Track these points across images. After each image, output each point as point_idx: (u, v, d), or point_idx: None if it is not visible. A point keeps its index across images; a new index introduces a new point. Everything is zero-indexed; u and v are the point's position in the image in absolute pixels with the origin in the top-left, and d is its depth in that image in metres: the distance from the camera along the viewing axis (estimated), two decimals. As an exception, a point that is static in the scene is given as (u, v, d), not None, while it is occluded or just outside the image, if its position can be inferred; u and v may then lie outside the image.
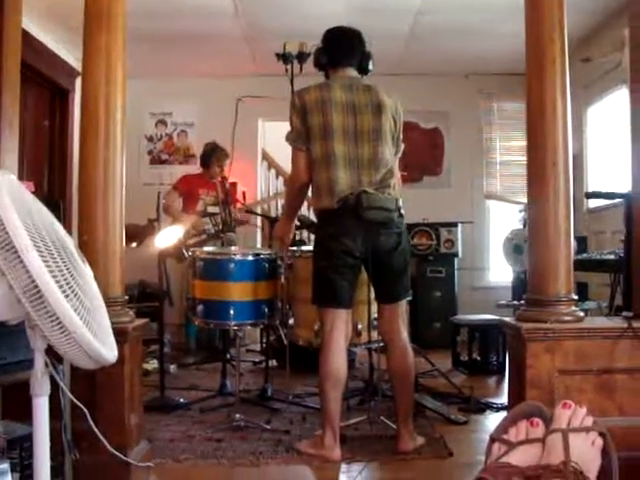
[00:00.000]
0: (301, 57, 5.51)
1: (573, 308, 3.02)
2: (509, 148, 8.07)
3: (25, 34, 4.09)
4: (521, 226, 6.89)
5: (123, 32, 3.12)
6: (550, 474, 1.48)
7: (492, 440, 1.67)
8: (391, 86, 3.81)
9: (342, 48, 3.76)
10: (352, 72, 3.74)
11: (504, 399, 4.54)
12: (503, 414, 4.13)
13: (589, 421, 1.60)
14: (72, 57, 6.43)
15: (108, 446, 2.36)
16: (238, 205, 6.52)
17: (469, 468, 3.34)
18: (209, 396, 4.73)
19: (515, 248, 6.59)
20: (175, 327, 6.67)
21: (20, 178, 3.04)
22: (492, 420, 4.26)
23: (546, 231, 3.05)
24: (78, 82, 5.83)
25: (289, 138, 3.70)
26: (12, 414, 2.81)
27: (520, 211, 7.10)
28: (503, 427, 1.69)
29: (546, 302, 3.03)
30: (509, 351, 3.46)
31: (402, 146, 3.78)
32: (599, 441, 1.57)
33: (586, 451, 1.54)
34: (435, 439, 3.78)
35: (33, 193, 2.00)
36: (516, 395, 3.04)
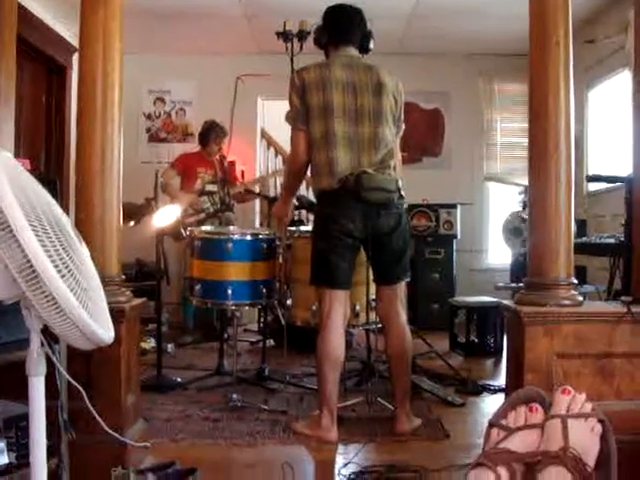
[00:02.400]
0: (301, 35, 5.47)
1: (572, 292, 3.01)
2: (510, 130, 8.02)
3: (22, 9, 4.05)
4: (520, 208, 6.87)
5: (121, 8, 3.08)
6: (549, 460, 1.47)
7: (491, 425, 1.66)
8: (391, 66, 3.78)
9: (343, 26, 3.72)
10: (353, 51, 3.70)
11: (501, 381, 4.56)
12: (500, 396, 4.17)
13: (588, 407, 1.59)
14: (69, 33, 6.37)
15: (104, 426, 2.34)
16: (237, 183, 6.49)
17: (466, 450, 3.34)
18: (206, 375, 4.73)
19: (514, 230, 6.58)
20: (173, 306, 6.67)
21: (16, 155, 3.02)
22: (489, 402, 4.27)
23: (547, 214, 3.03)
24: (76, 58, 5.79)
25: (288, 117, 3.67)
26: (8, 393, 2.80)
27: (520, 193, 7.09)
28: (502, 412, 1.68)
29: (545, 285, 3.01)
30: (507, 334, 3.45)
31: (403, 126, 3.76)
32: (598, 427, 1.56)
33: (585, 437, 1.53)
34: (432, 421, 3.78)
35: (29, 171, 1.98)
36: (514, 378, 3.03)
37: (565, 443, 1.49)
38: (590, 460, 1.50)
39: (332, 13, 3.77)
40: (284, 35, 5.50)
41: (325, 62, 3.70)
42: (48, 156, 6.49)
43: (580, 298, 3.03)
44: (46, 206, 1.81)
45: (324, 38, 3.75)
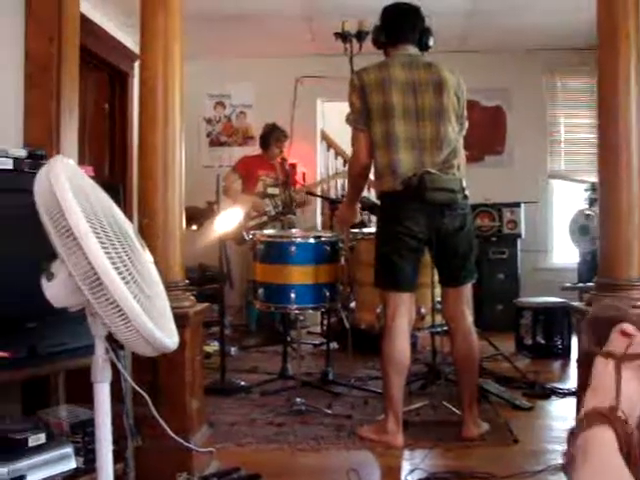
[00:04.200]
0: (360, 36, 5.43)
1: (646, 292, 2.91)
2: (574, 125, 7.83)
3: (85, 19, 4.10)
4: (587, 206, 6.72)
5: (181, 13, 3.09)
6: (596, 418, 1.35)
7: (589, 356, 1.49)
8: (451, 63, 3.72)
9: (401, 25, 3.66)
10: (412, 49, 3.65)
11: (570, 384, 4.45)
12: (570, 400, 4.05)
13: None
14: (131, 40, 6.44)
15: (170, 431, 2.34)
16: (298, 186, 6.48)
17: (535, 456, 3.27)
18: (270, 379, 4.73)
19: (581, 229, 6.44)
20: (236, 309, 6.69)
21: (80, 163, 3.06)
22: (558, 406, 4.17)
23: (618, 211, 2.94)
24: (137, 65, 5.85)
25: (349, 119, 3.63)
26: (76, 398, 2.84)
27: (586, 190, 6.93)
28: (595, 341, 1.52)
29: (617, 286, 2.92)
30: (578, 336, 3.35)
31: (466, 124, 3.68)
32: None
33: (636, 390, 1.40)
34: (499, 425, 3.69)
35: (92, 178, 1.99)
36: (585, 382, 2.94)
37: (616, 399, 1.36)
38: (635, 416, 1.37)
39: (389, 12, 3.72)
40: (343, 36, 5.47)
41: (384, 62, 3.65)
42: (111, 163, 6.57)
43: (654, 298, 2.93)
44: (109, 212, 1.81)
45: (382, 38, 3.71)
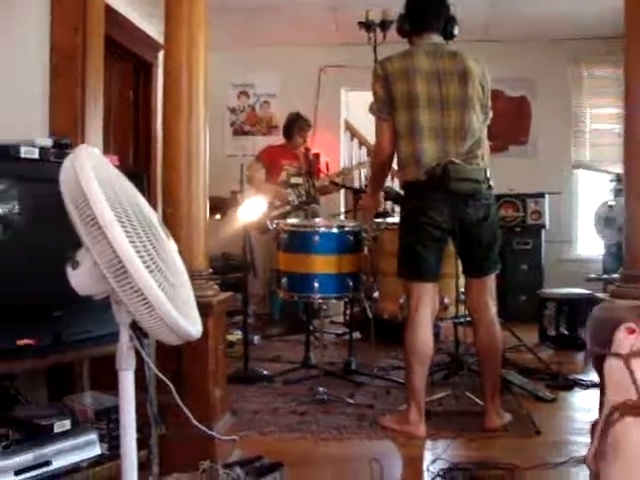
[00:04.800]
0: (384, 25, 5.41)
1: (672, 284, 2.88)
2: (599, 116, 7.75)
3: (109, 9, 4.12)
4: (612, 197, 6.67)
5: (205, 3, 3.09)
6: (628, 410, 1.37)
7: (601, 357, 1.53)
8: (475, 53, 3.68)
9: (425, 13, 3.64)
10: (437, 38, 3.62)
11: (593, 376, 4.40)
12: (593, 392, 4.03)
13: None
14: (155, 31, 6.45)
15: (193, 419, 2.36)
16: (322, 175, 6.47)
17: (558, 447, 3.26)
18: (293, 368, 4.75)
19: (606, 220, 6.39)
20: (259, 298, 6.71)
21: (105, 152, 3.07)
22: (581, 398, 4.15)
23: (643, 203, 2.91)
24: (161, 56, 5.86)
25: (373, 108, 3.62)
26: (101, 385, 2.86)
27: (611, 181, 6.87)
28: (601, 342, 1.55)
29: (643, 278, 2.89)
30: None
31: (490, 113, 3.66)
32: None
33: None
34: (522, 417, 3.68)
35: (117, 167, 2.00)
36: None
37: (638, 392, 1.39)
38: None
39: (413, 0, 3.70)
40: (367, 25, 5.45)
41: (408, 51, 3.63)
42: (136, 152, 6.60)
43: (680, 290, 2.89)
44: (133, 201, 1.82)
45: (407, 26, 3.68)
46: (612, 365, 1.46)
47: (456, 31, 3.67)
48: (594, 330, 1.59)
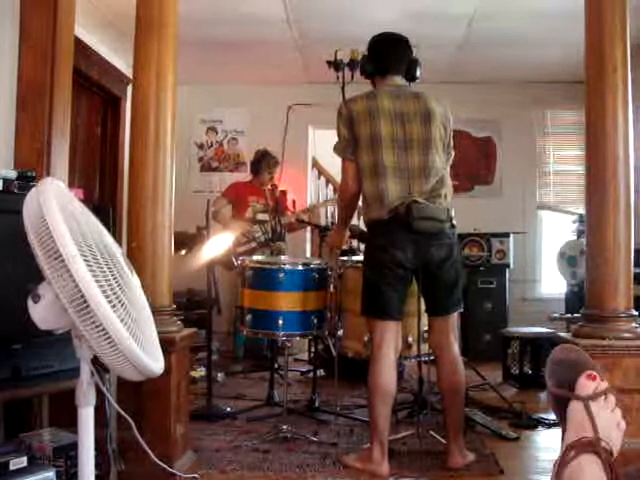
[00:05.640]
0: (352, 64, 5.45)
1: (633, 325, 2.92)
2: (563, 157, 7.89)
3: (79, 42, 4.12)
4: (575, 237, 6.75)
5: (174, 39, 3.11)
6: (583, 448, 1.40)
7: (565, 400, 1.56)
8: (442, 94, 3.74)
9: (389, 56, 3.69)
10: (399, 80, 3.67)
11: (556, 415, 4.43)
12: (556, 431, 4.04)
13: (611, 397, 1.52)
14: (125, 64, 6.47)
15: (153, 456, 2.33)
16: (288, 212, 6.49)
17: (521, 487, 3.26)
18: (256, 406, 4.70)
19: (569, 260, 6.46)
20: (223, 335, 6.67)
21: (70, 185, 3.06)
22: (544, 436, 4.15)
23: (605, 243, 2.96)
24: (130, 89, 5.86)
25: (337, 148, 3.65)
26: (60, 422, 2.82)
27: (574, 222, 6.96)
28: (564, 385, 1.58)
29: (604, 318, 2.93)
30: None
31: (453, 153, 3.70)
32: (623, 424, 1.49)
33: (611, 429, 1.47)
34: (485, 455, 3.68)
35: (82, 201, 1.99)
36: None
37: (595, 432, 1.42)
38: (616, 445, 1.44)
39: (377, 43, 3.75)
40: (335, 64, 5.49)
41: (372, 92, 3.67)
42: (102, 186, 6.56)
43: (641, 331, 2.94)
44: (97, 235, 1.81)
45: (370, 68, 3.73)
46: (573, 408, 1.49)
47: (418, 73, 3.72)
48: (552, 371, 1.62)
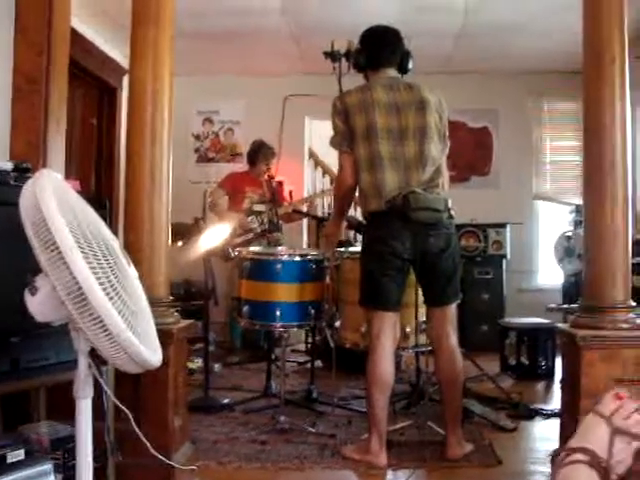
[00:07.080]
0: (349, 55, 5.43)
1: (630, 315, 2.92)
2: (560, 148, 7.87)
3: (74, 33, 4.10)
4: (572, 228, 6.75)
5: (171, 30, 3.10)
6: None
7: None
8: (438, 85, 3.73)
9: (381, 49, 3.68)
10: (392, 72, 3.67)
11: (553, 405, 4.45)
12: (553, 421, 4.05)
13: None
14: (120, 55, 6.45)
15: (151, 448, 2.32)
16: (285, 203, 6.47)
17: (518, 477, 3.27)
18: (253, 397, 4.69)
19: (566, 250, 6.46)
20: (220, 326, 6.65)
21: (67, 177, 3.05)
22: (542, 427, 4.16)
23: (602, 233, 2.96)
24: (126, 80, 5.84)
25: (333, 142, 3.65)
26: (57, 414, 2.81)
27: (571, 212, 6.96)
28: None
29: (602, 308, 2.93)
30: (562, 358, 3.35)
31: (449, 143, 3.69)
32: (636, 443, 1.48)
33: (623, 449, 1.45)
34: (483, 446, 3.69)
35: (79, 192, 1.98)
36: (569, 404, 2.95)
37: (609, 456, 1.41)
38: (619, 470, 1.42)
39: (369, 36, 3.74)
40: (332, 55, 5.47)
41: (366, 85, 3.67)
42: (98, 177, 6.55)
43: (639, 321, 2.93)
44: (94, 227, 1.81)
45: (363, 61, 3.72)
46: (591, 421, 1.47)
47: (410, 65, 3.71)
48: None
